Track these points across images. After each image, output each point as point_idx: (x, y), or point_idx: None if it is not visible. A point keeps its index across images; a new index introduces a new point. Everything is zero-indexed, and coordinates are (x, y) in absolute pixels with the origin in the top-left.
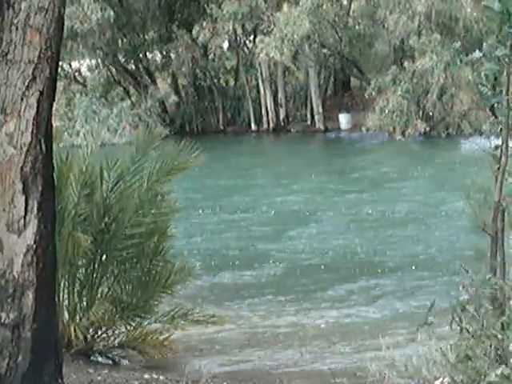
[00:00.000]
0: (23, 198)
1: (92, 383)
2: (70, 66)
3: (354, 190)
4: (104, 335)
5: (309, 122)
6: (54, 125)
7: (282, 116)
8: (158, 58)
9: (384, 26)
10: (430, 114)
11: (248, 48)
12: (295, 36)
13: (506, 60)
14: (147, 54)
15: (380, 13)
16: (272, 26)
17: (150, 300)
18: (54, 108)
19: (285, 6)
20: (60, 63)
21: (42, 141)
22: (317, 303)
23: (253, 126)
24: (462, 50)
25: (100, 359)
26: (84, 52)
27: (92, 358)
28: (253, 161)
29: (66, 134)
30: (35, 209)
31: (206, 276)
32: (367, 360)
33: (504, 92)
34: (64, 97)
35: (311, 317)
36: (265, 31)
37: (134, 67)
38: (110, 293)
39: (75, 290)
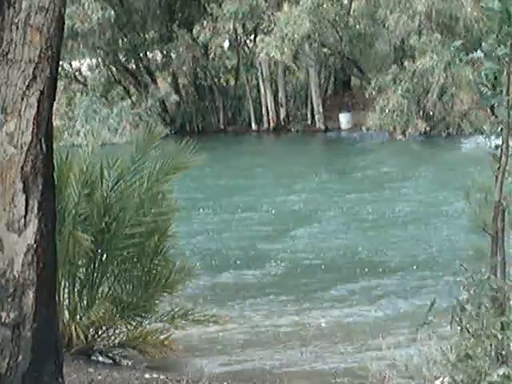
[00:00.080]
0: (23, 197)
1: (92, 383)
2: (71, 65)
3: (355, 189)
4: (104, 335)
5: (309, 122)
6: (54, 124)
7: (282, 115)
8: (158, 58)
9: (384, 26)
10: (431, 113)
11: (248, 47)
12: (296, 35)
13: (506, 59)
14: (148, 53)
15: (380, 12)
16: (272, 26)
17: (151, 299)
18: (54, 107)
19: (285, 6)
20: (60, 63)
21: (43, 140)
22: (318, 303)
23: (253, 126)
24: (463, 49)
25: (100, 359)
26: (84, 51)
27: (92, 357)
28: (253, 160)
29: (66, 133)
30: (35, 208)
31: (207, 276)
32: (368, 360)
33: (504, 92)
34: (64, 96)
35: (312, 316)
36: (265, 31)
37: (134, 67)
38: (111, 292)
39: (75, 289)
